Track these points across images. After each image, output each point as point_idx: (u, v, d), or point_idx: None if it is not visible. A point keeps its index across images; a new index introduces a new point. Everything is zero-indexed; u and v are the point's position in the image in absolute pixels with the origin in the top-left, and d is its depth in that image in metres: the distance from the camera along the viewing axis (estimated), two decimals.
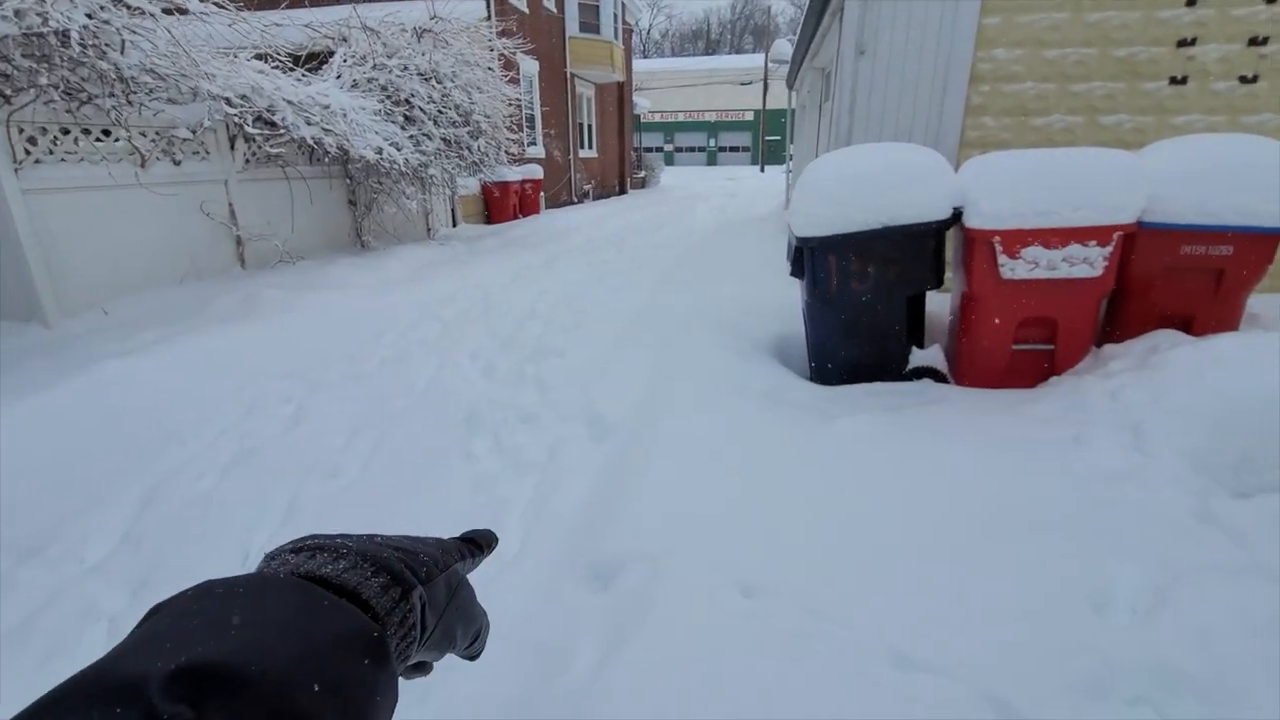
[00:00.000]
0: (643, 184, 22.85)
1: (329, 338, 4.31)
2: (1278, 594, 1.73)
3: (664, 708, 1.48)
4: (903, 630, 1.64)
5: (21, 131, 4.05)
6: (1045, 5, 4.18)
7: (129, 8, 4.21)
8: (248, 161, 5.87)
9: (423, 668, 0.43)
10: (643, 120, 34.17)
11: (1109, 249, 2.90)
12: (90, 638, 1.85)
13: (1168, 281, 3.06)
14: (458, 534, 0.49)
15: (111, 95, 4.28)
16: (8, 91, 3.82)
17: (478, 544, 0.49)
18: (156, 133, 4.97)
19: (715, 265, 6.68)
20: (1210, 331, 2.95)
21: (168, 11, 4.60)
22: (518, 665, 1.64)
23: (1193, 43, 4.11)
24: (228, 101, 5.14)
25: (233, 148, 5.69)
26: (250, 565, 0.95)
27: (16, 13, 3.59)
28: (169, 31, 4.53)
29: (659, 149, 38.06)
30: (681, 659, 1.59)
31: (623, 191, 20.44)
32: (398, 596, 0.36)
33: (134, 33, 4.30)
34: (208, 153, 5.49)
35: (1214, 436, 2.39)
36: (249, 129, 5.37)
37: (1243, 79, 4.13)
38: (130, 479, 2.59)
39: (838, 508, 2.21)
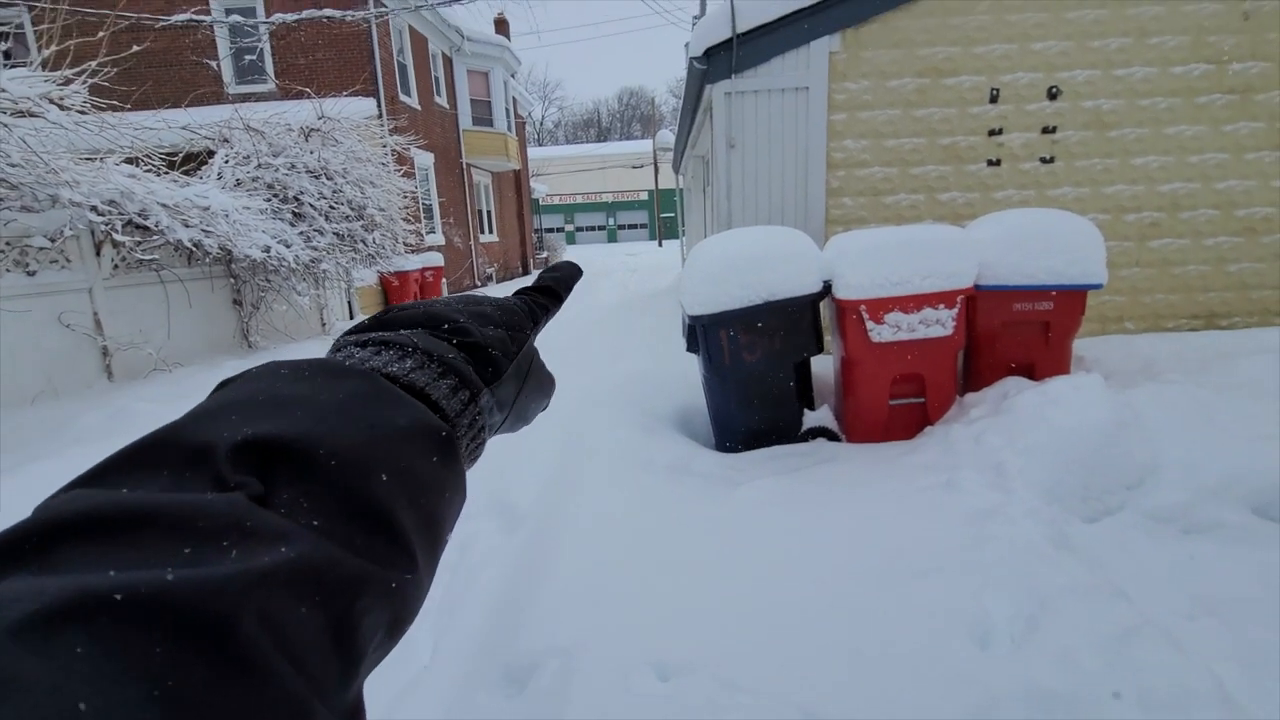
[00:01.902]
0: (545, 264, 23.22)
1: None
2: (1124, 607, 1.95)
3: None
4: (810, 690, 1.70)
5: None
6: (880, 104, 4.85)
7: None
8: (116, 267, 5.53)
9: (482, 450, 0.41)
10: (542, 203, 35.23)
11: (955, 310, 3.29)
12: None
13: (1008, 335, 3.49)
14: (533, 283, 0.46)
15: None
16: None
17: (554, 293, 0.46)
18: (7, 243, 4.62)
19: (618, 341, 6.88)
20: (1048, 375, 3.37)
21: (20, 116, 4.39)
22: None
23: (1000, 132, 4.88)
24: (93, 209, 4.88)
25: (99, 254, 5.36)
26: None
27: None
28: (24, 140, 4.30)
29: (560, 229, 39.16)
30: None
31: (526, 273, 20.73)
32: (466, 399, 0.35)
33: None
34: (69, 261, 5.14)
35: (1060, 469, 2.71)
36: (117, 235, 5.09)
37: (1043, 159, 4.92)
38: None
39: (745, 573, 2.28)
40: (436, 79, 14.56)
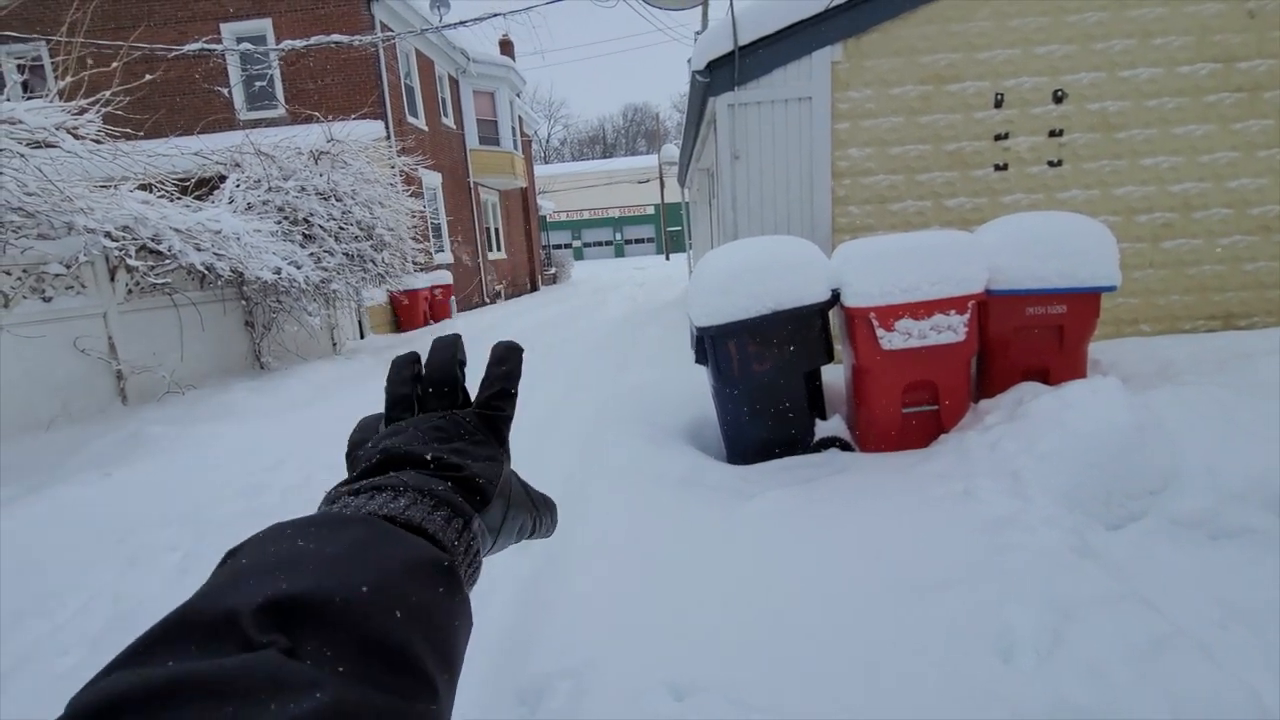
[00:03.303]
0: (554, 280, 23.41)
1: (223, 472, 4.03)
2: (1153, 617, 1.89)
3: None
4: (827, 709, 1.66)
5: None
6: (884, 111, 4.84)
7: None
8: (130, 292, 5.60)
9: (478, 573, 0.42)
10: (549, 220, 35.47)
11: (967, 316, 3.25)
12: None
13: (1021, 339, 3.44)
14: (478, 392, 0.46)
15: None
16: None
17: (507, 394, 0.46)
18: (24, 270, 4.69)
19: (627, 354, 6.86)
20: (1063, 380, 3.31)
21: (38, 146, 4.47)
22: None
23: (1006, 136, 4.85)
24: (108, 234, 4.95)
25: (113, 279, 5.43)
26: None
27: None
28: (40, 170, 4.38)
29: (567, 245, 39.40)
30: None
31: (534, 289, 20.83)
32: (460, 528, 0.37)
33: (0, 173, 4.13)
34: (84, 286, 5.21)
35: (1080, 475, 2.65)
36: (131, 260, 5.16)
37: (1050, 163, 4.88)
38: None
39: (758, 588, 2.24)
40: (443, 100, 14.76)
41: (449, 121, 15.05)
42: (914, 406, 3.45)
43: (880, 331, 3.27)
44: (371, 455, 0.40)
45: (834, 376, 4.02)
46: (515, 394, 0.48)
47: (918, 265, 3.24)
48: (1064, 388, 3.10)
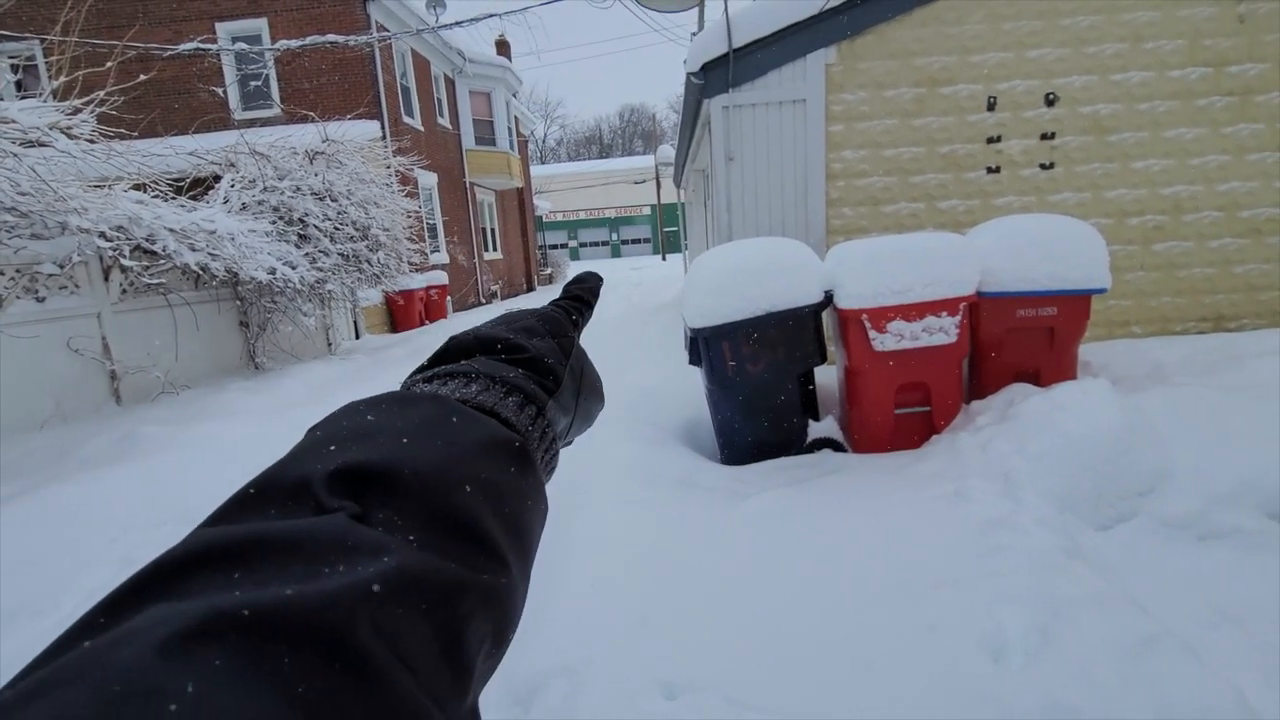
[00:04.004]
0: (550, 280, 23.41)
1: (217, 471, 4.01)
2: (1141, 617, 1.91)
3: None
4: (820, 708, 1.67)
5: None
6: (877, 114, 4.87)
7: None
8: (124, 292, 5.58)
9: (556, 461, 0.42)
10: (545, 220, 35.46)
11: (958, 317, 3.28)
12: None
13: (1012, 341, 3.47)
14: (561, 293, 0.48)
15: None
16: None
17: (584, 299, 0.48)
18: (17, 270, 4.67)
19: (623, 355, 6.87)
20: (1054, 381, 3.34)
21: (31, 145, 4.45)
22: None
23: (999, 139, 4.88)
24: (102, 235, 4.94)
25: (107, 279, 5.41)
26: None
27: None
28: (33, 169, 4.37)
29: (564, 245, 39.38)
30: None
31: (531, 289, 20.83)
32: (534, 414, 0.37)
33: None
34: (78, 286, 5.19)
35: (1071, 476, 2.67)
36: (125, 260, 5.15)
37: (1043, 165, 4.91)
38: None
39: (752, 588, 2.25)
40: (439, 100, 14.75)
41: (445, 122, 15.03)
42: (906, 407, 3.48)
43: (873, 333, 3.29)
44: (441, 348, 0.40)
45: (827, 378, 4.03)
46: (591, 303, 0.49)
47: (911, 267, 3.26)
48: (1055, 389, 3.12)
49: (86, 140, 4.73)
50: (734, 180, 4.95)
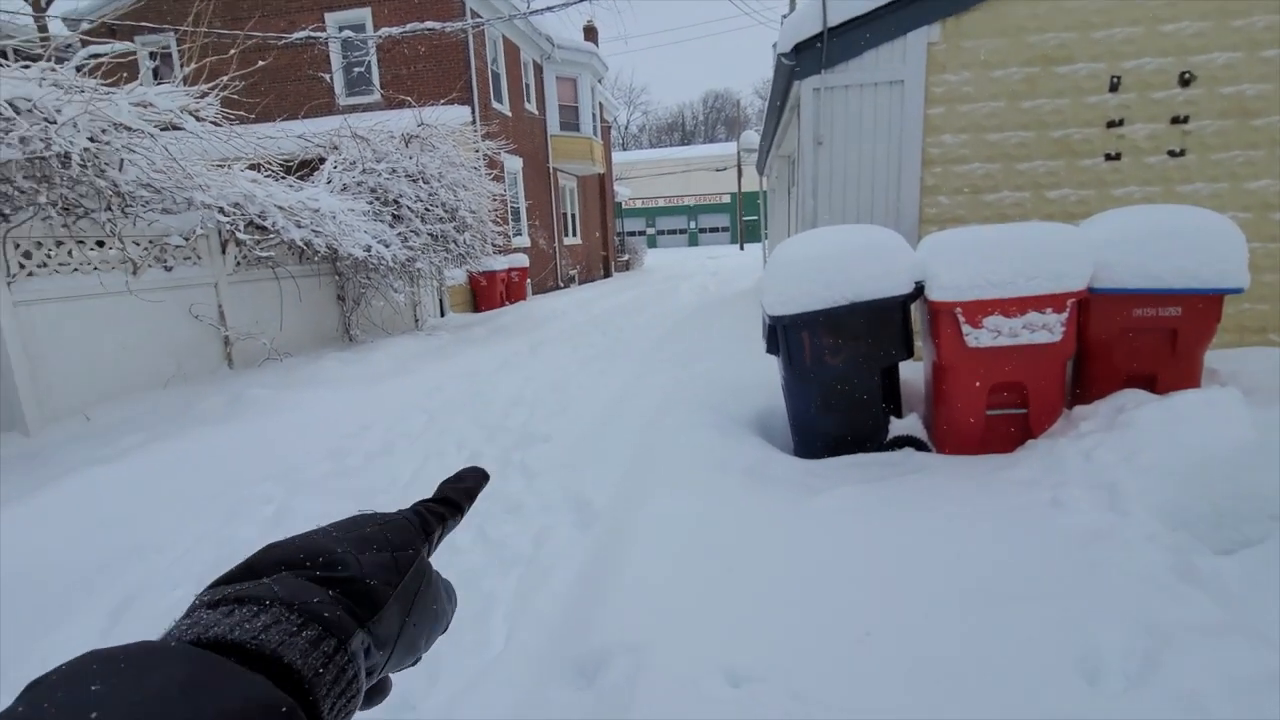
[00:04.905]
0: (626, 266, 23.55)
1: (313, 435, 4.31)
2: (1264, 652, 1.71)
3: None
4: (893, 711, 1.60)
5: (18, 247, 4.19)
6: (982, 95, 4.55)
7: (129, 129, 4.47)
8: (238, 264, 6.05)
9: (382, 688, 0.38)
10: (624, 207, 35.64)
11: (1065, 315, 3.03)
12: None
13: (1126, 343, 3.18)
14: (432, 494, 0.44)
15: (108, 209, 4.47)
16: (7, 211, 3.98)
17: (455, 504, 0.43)
18: (150, 241, 5.15)
19: (697, 343, 6.82)
20: (1173, 389, 3.04)
21: (165, 128, 4.88)
22: None
23: (1121, 123, 4.46)
24: (221, 210, 5.36)
25: (224, 252, 5.88)
26: None
27: (22, 139, 3.80)
28: (166, 149, 4.79)
29: (641, 233, 39.49)
30: None
31: (608, 275, 21.03)
32: (331, 650, 0.32)
33: (132, 151, 4.54)
34: (199, 257, 5.67)
35: (1186, 492, 2.43)
36: (240, 234, 5.58)
37: (1171, 153, 4.45)
38: (102, 592, 2.53)
39: (822, 585, 2.19)
40: (527, 86, 15.05)
41: (531, 107, 15.33)
42: (999, 409, 3.26)
43: (967, 328, 3.10)
44: (254, 555, 0.35)
45: (911, 373, 3.85)
46: (462, 510, 0.44)
47: (1012, 259, 3.04)
48: (1173, 397, 2.84)
49: (211, 123, 5.14)
50: (821, 165, 4.77)
